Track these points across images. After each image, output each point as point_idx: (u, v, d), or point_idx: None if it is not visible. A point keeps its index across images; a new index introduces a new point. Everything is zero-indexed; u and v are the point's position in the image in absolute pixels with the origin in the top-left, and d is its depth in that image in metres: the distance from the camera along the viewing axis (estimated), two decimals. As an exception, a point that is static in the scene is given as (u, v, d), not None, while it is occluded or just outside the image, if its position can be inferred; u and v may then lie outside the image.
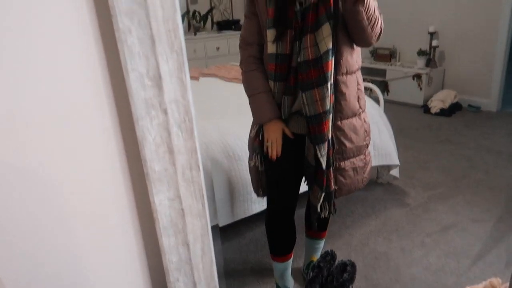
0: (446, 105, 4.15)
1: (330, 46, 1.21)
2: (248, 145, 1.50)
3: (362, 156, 1.41)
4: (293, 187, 1.45)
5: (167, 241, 0.74)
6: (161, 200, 0.72)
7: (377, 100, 2.62)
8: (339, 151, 1.35)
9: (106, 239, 0.71)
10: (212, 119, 2.08)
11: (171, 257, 0.76)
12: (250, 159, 1.49)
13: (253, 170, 1.48)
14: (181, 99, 0.67)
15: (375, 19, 1.23)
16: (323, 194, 1.36)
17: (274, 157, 1.36)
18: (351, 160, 1.38)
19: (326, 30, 1.20)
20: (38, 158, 0.60)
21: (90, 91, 0.63)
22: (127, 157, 0.70)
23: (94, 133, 0.65)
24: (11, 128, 0.56)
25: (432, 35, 4.34)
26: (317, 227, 1.59)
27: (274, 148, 1.35)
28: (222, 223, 1.85)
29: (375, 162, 2.30)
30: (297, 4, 1.25)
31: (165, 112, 0.67)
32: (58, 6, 0.56)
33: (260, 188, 1.50)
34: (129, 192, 0.72)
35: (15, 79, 0.55)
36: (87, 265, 0.69)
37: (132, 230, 0.75)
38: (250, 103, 1.39)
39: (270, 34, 1.27)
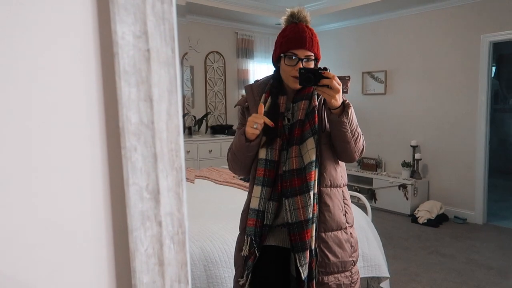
0: (433, 215, 4.21)
1: (314, 158, 1.30)
2: (235, 262, 1.48)
3: (348, 273, 1.38)
4: None
5: None
6: (145, 314, 0.70)
7: (364, 209, 2.66)
8: (322, 264, 1.34)
9: None
10: (200, 222, 2.08)
11: None
12: (238, 277, 1.44)
13: (236, 283, 1.44)
14: (177, 212, 0.71)
15: (358, 134, 1.34)
16: None
17: (271, 123, 1.32)
18: (335, 275, 1.36)
19: (310, 143, 1.30)
20: (20, 264, 0.60)
21: (89, 201, 0.66)
22: (115, 268, 0.70)
23: (87, 243, 0.67)
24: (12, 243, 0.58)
25: (414, 148, 4.59)
26: None
27: (261, 122, 1.31)
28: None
29: (364, 273, 2.25)
30: (286, 119, 1.37)
31: (159, 224, 0.70)
32: (74, 123, 0.63)
33: None
34: (114, 305, 0.71)
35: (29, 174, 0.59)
36: None
37: None
38: (234, 148, 1.42)
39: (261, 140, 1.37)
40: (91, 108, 0.65)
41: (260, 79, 1.52)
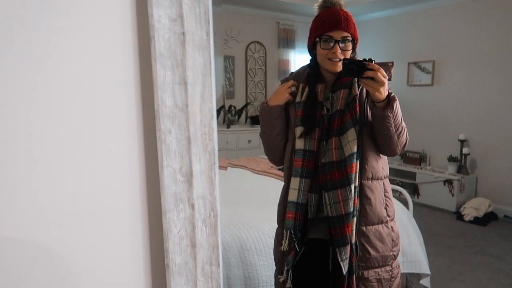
0: (481, 213, 4.00)
1: (355, 150, 1.25)
2: (274, 256, 1.47)
3: (388, 268, 1.34)
4: None
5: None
6: (178, 294, 0.72)
7: (406, 203, 2.57)
8: (362, 259, 1.30)
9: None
10: (236, 210, 2.10)
11: None
12: (278, 273, 1.43)
13: (277, 282, 1.43)
14: (209, 195, 0.71)
15: (402, 128, 1.28)
16: None
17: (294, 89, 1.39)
18: (376, 270, 1.32)
19: (351, 135, 1.26)
20: (61, 236, 0.63)
21: (127, 181, 0.68)
22: (150, 248, 0.72)
23: (123, 221, 0.69)
24: (38, 207, 0.61)
25: (462, 142, 4.37)
26: None
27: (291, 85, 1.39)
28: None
29: (403, 269, 2.18)
30: (324, 109, 1.33)
31: (192, 206, 0.71)
32: (113, 105, 0.65)
33: None
34: (148, 283, 0.73)
35: (63, 171, 0.61)
36: None
37: (146, 323, 0.74)
38: (262, 129, 1.48)
39: (298, 130, 1.34)
40: (128, 91, 0.67)
41: (298, 70, 1.48)
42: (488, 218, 4.01)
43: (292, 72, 1.49)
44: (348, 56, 1.31)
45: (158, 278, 0.73)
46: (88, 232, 0.65)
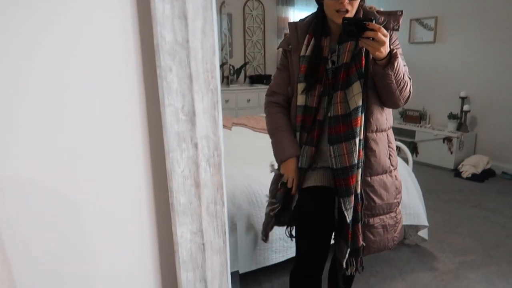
0: (479, 170, 4.04)
1: (360, 103, 1.24)
2: (269, 190, 1.52)
3: (392, 214, 1.38)
4: (323, 244, 1.41)
5: (185, 276, 0.74)
6: (183, 232, 0.72)
7: (406, 160, 2.59)
8: (368, 207, 1.33)
9: (124, 267, 0.72)
10: (239, 165, 2.11)
11: (188, 293, 0.75)
12: (269, 203, 1.49)
13: (266, 215, 1.49)
14: (212, 135, 0.70)
15: (404, 83, 1.26)
16: (348, 250, 1.32)
17: (294, 191, 1.38)
18: (381, 217, 1.36)
19: (356, 88, 1.24)
20: (66, 179, 0.63)
21: (127, 120, 0.67)
22: (154, 187, 0.72)
23: (125, 160, 0.68)
24: (43, 149, 0.60)
25: (463, 99, 4.34)
26: (342, 284, 1.53)
27: (290, 184, 1.38)
28: (242, 270, 1.81)
29: (403, 221, 2.22)
30: (329, 63, 1.31)
31: (195, 146, 0.70)
32: (110, 42, 0.62)
33: (264, 232, 1.54)
34: (152, 222, 0.74)
35: (57, 104, 0.60)
36: (105, 292, 0.70)
37: (151, 261, 0.75)
38: (272, 142, 1.44)
39: (300, 87, 1.33)
40: (125, 26, 0.64)
41: (306, 17, 1.43)
42: (485, 175, 4.05)
43: (303, 19, 1.43)
44: (355, 7, 1.26)
45: (162, 218, 0.74)
46: (91, 173, 0.65)
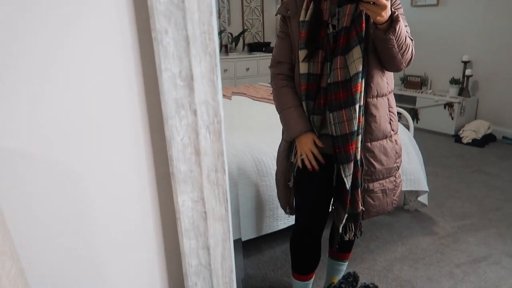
0: (479, 135, 4.03)
1: (360, 68, 1.21)
2: (277, 161, 1.50)
3: (392, 178, 1.38)
4: (322, 209, 1.43)
5: (188, 244, 0.74)
6: (184, 201, 0.72)
7: (407, 127, 2.57)
8: (368, 173, 1.32)
9: (126, 237, 0.72)
10: (239, 134, 2.10)
11: (191, 261, 0.75)
12: (279, 175, 1.48)
13: (282, 187, 1.48)
14: (211, 100, 0.68)
15: (406, 47, 1.22)
16: (346, 215, 1.33)
17: (317, 167, 1.34)
18: (380, 181, 1.35)
19: (356, 53, 1.20)
20: (65, 150, 0.61)
21: (123, 88, 0.65)
22: (153, 156, 0.71)
23: (123, 129, 0.66)
24: (41, 121, 0.58)
25: (465, 64, 4.27)
26: (341, 248, 1.55)
27: (312, 160, 1.33)
28: (244, 237, 1.84)
29: (403, 187, 2.24)
30: (330, 27, 1.26)
31: (194, 113, 0.68)
32: (100, 5, 0.59)
33: (288, 205, 1.49)
34: (153, 191, 0.73)
35: (50, 72, 0.57)
36: (105, 261, 0.70)
37: (153, 230, 0.75)
38: (281, 118, 1.40)
39: (302, 54, 1.29)
40: (117, -13, 0.61)
41: None
42: (486, 140, 4.04)
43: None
44: None
45: (164, 186, 0.73)
46: (90, 143, 0.63)
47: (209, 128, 0.69)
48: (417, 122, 4.58)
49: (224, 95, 3.10)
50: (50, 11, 0.55)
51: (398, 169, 1.40)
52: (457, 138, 4.14)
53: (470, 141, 4.01)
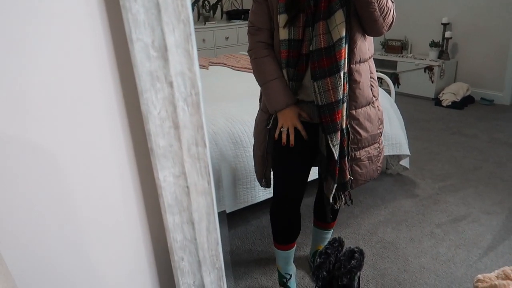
0: (458, 98, 4.09)
1: (343, 34, 1.17)
2: (254, 133, 1.47)
3: (376, 145, 1.38)
4: (301, 177, 1.43)
5: (172, 219, 0.73)
6: (165, 176, 0.70)
7: (388, 92, 2.57)
8: (354, 141, 1.32)
9: (109, 217, 0.70)
10: (219, 106, 2.07)
11: (176, 236, 0.74)
12: (256, 147, 1.46)
13: (258, 159, 1.46)
14: (188, 71, 0.65)
15: (387, 9, 1.19)
16: (335, 185, 1.33)
17: (292, 143, 1.32)
18: (366, 149, 1.35)
19: (339, 17, 1.16)
20: (39, 131, 0.58)
21: (93, 62, 0.61)
22: (131, 132, 0.68)
23: (97, 107, 0.63)
24: (16, 103, 0.55)
25: (445, 26, 4.26)
26: (325, 218, 1.57)
27: (292, 134, 1.31)
28: (228, 210, 1.84)
29: (385, 151, 2.26)
30: None
31: (170, 85, 0.65)
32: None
33: (264, 178, 1.48)
34: (133, 168, 0.71)
35: (18, 50, 0.53)
36: (89, 242, 0.68)
37: (136, 208, 0.73)
38: (263, 90, 1.35)
39: (282, 19, 1.23)
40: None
41: None
42: (465, 102, 4.10)
43: None
44: None
45: (143, 163, 0.71)
46: (64, 123, 0.60)
47: (187, 100, 0.67)
48: (398, 87, 4.61)
49: (201, 65, 3.03)
50: (5, -22, 0.50)
51: (381, 135, 1.40)
52: (437, 101, 4.19)
53: (450, 103, 4.06)
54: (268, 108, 1.35)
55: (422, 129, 3.45)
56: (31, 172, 0.59)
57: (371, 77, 1.35)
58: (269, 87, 1.31)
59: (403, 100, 4.17)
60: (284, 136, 1.32)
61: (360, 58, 1.27)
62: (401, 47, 4.74)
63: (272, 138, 1.37)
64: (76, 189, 0.64)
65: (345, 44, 1.19)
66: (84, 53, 0.60)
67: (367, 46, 1.30)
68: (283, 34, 1.24)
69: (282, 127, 1.32)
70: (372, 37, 1.33)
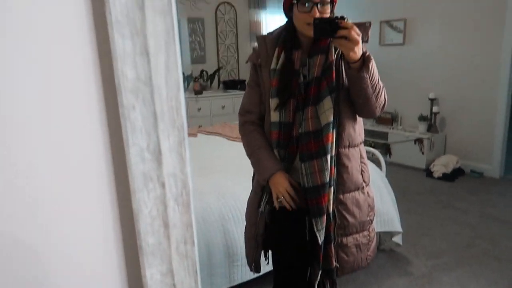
0: (449, 170, 4.15)
1: (331, 119, 1.22)
2: (246, 214, 1.47)
3: (365, 232, 1.36)
4: (298, 265, 1.39)
5: (157, 319, 0.71)
6: (153, 274, 0.70)
7: (378, 164, 2.62)
8: (341, 226, 1.31)
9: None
10: (211, 179, 2.08)
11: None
12: (248, 229, 1.45)
13: (250, 242, 1.44)
14: (180, 173, 0.68)
15: (379, 89, 1.24)
16: (320, 272, 1.30)
17: (295, 206, 1.30)
18: (354, 236, 1.34)
19: (327, 103, 1.22)
20: (29, 229, 0.59)
21: (91, 163, 0.64)
22: (121, 229, 0.69)
23: (90, 203, 0.65)
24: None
25: (432, 101, 4.45)
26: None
27: (289, 200, 1.30)
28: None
29: (377, 228, 2.25)
30: (301, 76, 1.28)
31: (163, 185, 0.67)
32: (70, 81, 0.59)
33: (254, 262, 1.44)
34: (121, 265, 0.70)
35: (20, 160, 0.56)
36: None
37: (121, 305, 0.72)
38: (252, 161, 1.38)
39: (274, 102, 1.29)
40: (86, 63, 0.61)
41: (275, 30, 1.39)
42: (456, 174, 4.17)
43: (272, 32, 1.38)
44: None
45: (131, 259, 0.70)
46: (56, 219, 0.61)
47: (178, 200, 0.68)
48: (389, 157, 4.69)
49: (189, 134, 3.10)
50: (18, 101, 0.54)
51: (372, 222, 1.39)
52: (428, 172, 4.25)
53: (441, 175, 4.12)
54: (259, 180, 1.36)
55: (414, 201, 3.47)
56: (15, 269, 0.58)
57: (362, 162, 1.38)
58: (256, 155, 1.35)
59: (395, 170, 4.23)
60: (285, 203, 1.31)
61: (349, 143, 1.31)
62: (391, 119, 4.90)
63: (264, 221, 1.37)
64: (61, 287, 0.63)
65: (333, 129, 1.24)
66: (83, 154, 0.62)
67: (357, 132, 1.34)
68: (274, 116, 1.29)
69: (278, 198, 1.31)
70: (362, 123, 1.39)
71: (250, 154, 1.38)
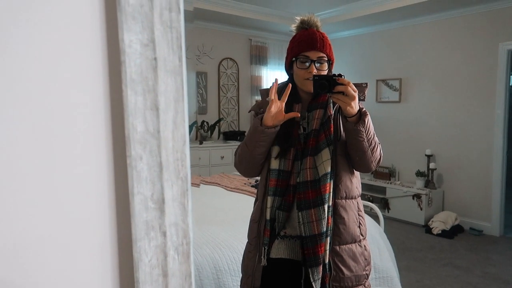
0: (448, 226, 4.12)
1: (329, 170, 1.26)
2: (241, 266, 1.46)
3: (361, 287, 1.36)
4: None
5: None
6: (149, 325, 0.69)
7: (376, 219, 2.62)
8: (336, 278, 1.30)
9: None
10: (207, 230, 2.07)
11: None
12: (243, 282, 1.43)
13: None
14: (181, 222, 0.70)
15: (375, 143, 1.30)
16: None
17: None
18: None
19: (325, 155, 1.27)
20: (28, 275, 0.60)
21: (95, 210, 0.66)
22: (119, 278, 0.70)
23: (91, 250, 0.66)
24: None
25: (429, 157, 4.51)
26: None
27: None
28: None
29: (376, 285, 2.21)
30: (301, 128, 1.35)
31: (164, 234, 0.69)
32: (80, 131, 0.63)
33: None
34: (117, 315, 0.70)
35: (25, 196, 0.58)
36: None
37: None
38: (246, 141, 1.37)
39: (275, 150, 1.34)
40: (97, 116, 0.65)
41: (280, 84, 1.47)
42: (455, 231, 4.13)
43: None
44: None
45: (128, 309, 0.70)
46: (57, 264, 0.62)
47: (178, 249, 0.70)
48: (388, 212, 4.67)
49: (192, 184, 3.11)
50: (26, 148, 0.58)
51: (367, 277, 1.38)
52: (427, 229, 4.21)
53: (440, 232, 4.08)
54: (257, 135, 1.32)
55: (414, 258, 3.40)
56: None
57: (359, 215, 1.39)
58: (250, 130, 1.36)
59: (394, 225, 4.19)
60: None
61: (346, 194, 1.34)
62: (389, 174, 4.94)
63: (261, 272, 1.36)
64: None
65: (330, 180, 1.27)
66: (88, 201, 0.65)
67: (354, 184, 1.38)
68: (274, 164, 1.34)
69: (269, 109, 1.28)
70: (359, 176, 1.43)
71: (241, 144, 1.40)
